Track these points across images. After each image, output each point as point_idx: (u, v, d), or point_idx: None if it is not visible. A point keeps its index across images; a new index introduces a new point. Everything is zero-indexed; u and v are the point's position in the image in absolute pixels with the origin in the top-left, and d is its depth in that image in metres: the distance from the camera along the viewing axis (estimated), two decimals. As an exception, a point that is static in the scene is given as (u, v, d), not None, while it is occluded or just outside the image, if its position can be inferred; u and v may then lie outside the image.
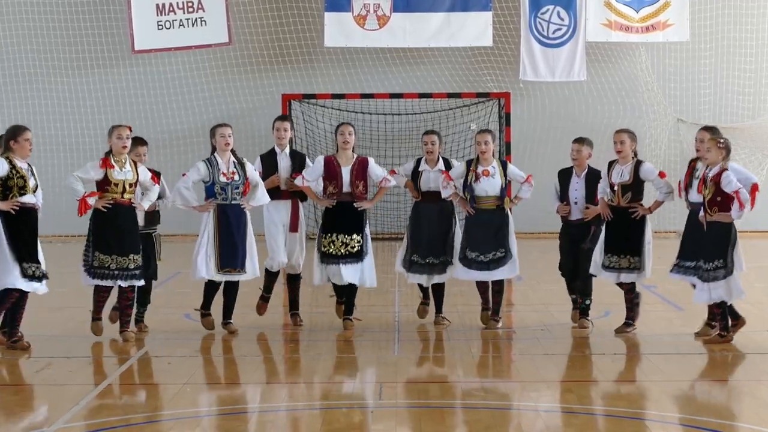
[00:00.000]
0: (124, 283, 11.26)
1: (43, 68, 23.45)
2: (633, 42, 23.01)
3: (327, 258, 11.94)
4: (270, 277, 12.34)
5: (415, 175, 12.15)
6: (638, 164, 11.64)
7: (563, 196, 12.05)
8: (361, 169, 11.93)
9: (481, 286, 12.02)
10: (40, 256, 11.04)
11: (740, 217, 10.72)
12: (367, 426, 8.10)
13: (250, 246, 11.74)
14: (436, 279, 12.13)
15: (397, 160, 21.30)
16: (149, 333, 11.82)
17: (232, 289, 11.80)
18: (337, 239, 11.89)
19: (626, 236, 11.54)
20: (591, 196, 11.90)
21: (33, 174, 11.02)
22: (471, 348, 11.00)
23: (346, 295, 12.11)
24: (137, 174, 11.35)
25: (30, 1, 23.28)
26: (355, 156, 12.01)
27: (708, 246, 10.81)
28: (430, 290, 12.33)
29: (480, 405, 8.71)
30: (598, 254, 11.65)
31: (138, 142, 11.87)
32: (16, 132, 11.04)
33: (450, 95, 23.34)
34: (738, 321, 11.19)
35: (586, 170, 12.03)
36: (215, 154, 11.73)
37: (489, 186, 11.85)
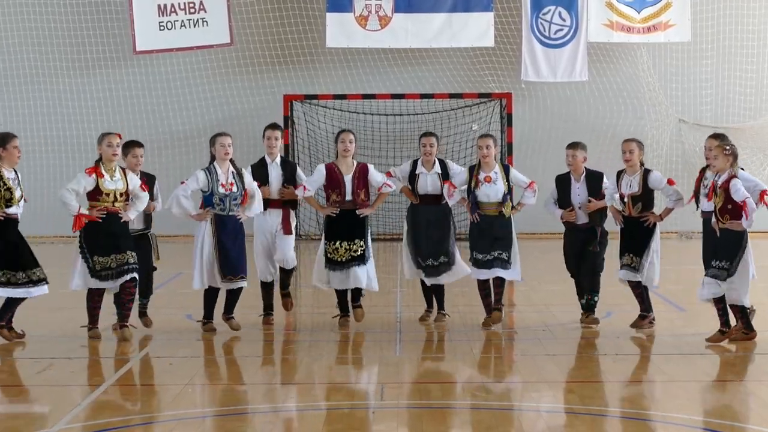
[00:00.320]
0: (126, 277, 11.24)
1: (45, 69, 23.47)
2: (634, 42, 23.01)
3: (332, 264, 11.93)
4: (266, 291, 12.28)
5: (412, 178, 12.14)
6: (646, 173, 11.66)
7: (565, 202, 12.00)
8: (362, 176, 11.96)
9: (483, 290, 11.97)
10: (29, 262, 11.06)
11: (750, 225, 10.74)
12: (368, 426, 8.10)
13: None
14: (437, 280, 12.13)
15: (399, 161, 21.30)
16: (150, 333, 11.81)
17: (235, 291, 11.79)
18: (341, 246, 11.89)
19: (635, 237, 11.58)
20: (593, 196, 11.87)
21: (19, 184, 11.02)
22: (472, 348, 10.99)
23: (346, 294, 12.10)
24: (127, 183, 11.34)
25: (31, 1, 23.29)
26: (356, 163, 12.01)
27: (719, 248, 10.83)
28: (432, 296, 12.32)
29: (482, 405, 8.70)
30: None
31: (134, 144, 11.88)
32: (4, 139, 11.04)
33: (451, 96, 23.35)
34: (731, 329, 11.13)
35: (584, 173, 12.01)
36: (214, 163, 11.68)
37: (491, 192, 11.84)
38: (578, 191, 11.96)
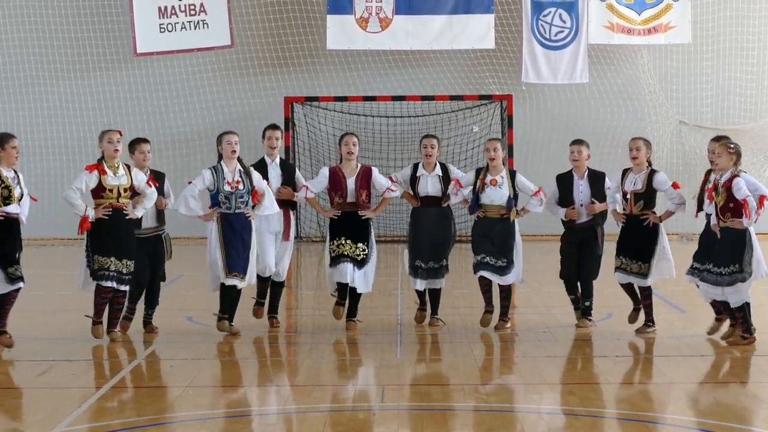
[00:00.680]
0: (113, 285, 11.24)
1: (45, 71, 23.47)
2: (635, 44, 23.02)
3: (336, 260, 11.94)
4: (262, 282, 12.28)
5: (413, 180, 12.15)
6: (652, 173, 11.65)
7: (566, 201, 11.99)
8: (365, 178, 11.98)
9: (484, 285, 12.00)
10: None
11: (751, 224, 10.72)
12: (369, 429, 8.10)
13: (252, 255, 11.68)
14: (435, 284, 12.13)
15: (400, 163, 21.33)
16: (153, 335, 11.82)
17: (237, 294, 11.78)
18: (346, 243, 11.90)
19: (638, 242, 11.57)
20: (595, 197, 11.88)
21: (19, 183, 11.01)
22: (473, 350, 10.99)
23: (350, 298, 12.09)
24: (131, 178, 11.34)
25: (32, 4, 23.30)
26: (359, 165, 12.03)
27: (721, 252, 10.81)
28: (426, 295, 12.33)
29: (482, 407, 8.71)
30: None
31: (140, 141, 11.92)
32: (2, 140, 11.02)
33: (452, 98, 23.36)
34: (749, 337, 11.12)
35: (587, 172, 12.01)
36: (221, 162, 11.68)
37: (496, 195, 11.85)
38: (581, 189, 11.95)
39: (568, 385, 9.58)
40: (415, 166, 12.23)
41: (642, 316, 11.81)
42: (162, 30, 22.59)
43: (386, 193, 12.06)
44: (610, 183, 11.92)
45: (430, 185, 12.09)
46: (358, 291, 12.00)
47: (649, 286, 11.70)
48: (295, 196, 12.12)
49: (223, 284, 11.63)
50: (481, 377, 9.88)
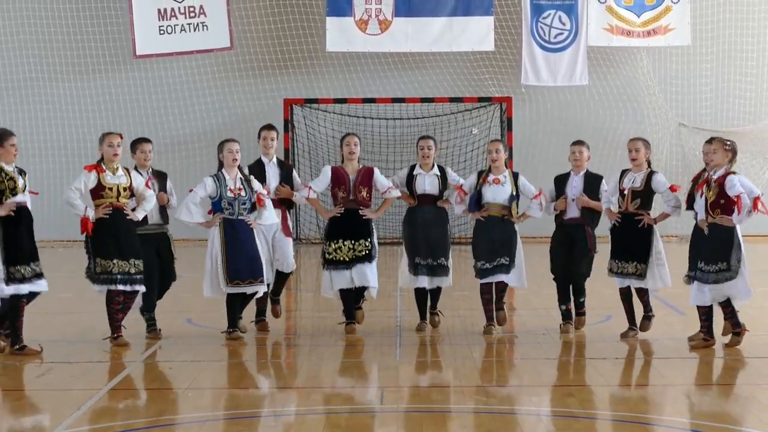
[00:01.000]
0: (125, 288, 11.24)
1: (45, 73, 23.49)
2: (634, 46, 23.05)
3: (332, 264, 11.93)
4: (261, 298, 12.25)
5: (410, 179, 12.16)
6: (651, 174, 11.65)
7: (559, 195, 12.01)
8: (366, 176, 12.00)
9: (486, 295, 11.97)
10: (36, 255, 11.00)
11: (740, 222, 10.71)
12: (369, 431, 8.10)
13: (262, 255, 11.68)
14: (437, 282, 12.13)
15: (399, 165, 21.33)
16: (152, 337, 11.83)
17: (246, 298, 11.77)
18: (344, 245, 11.88)
19: (633, 243, 11.55)
20: (588, 195, 11.88)
21: (21, 174, 11.02)
22: (473, 352, 10.99)
23: (353, 298, 12.09)
24: (131, 179, 11.36)
25: (32, 6, 23.31)
26: (361, 165, 12.07)
27: (708, 248, 10.81)
28: (426, 307, 12.29)
29: (482, 409, 8.71)
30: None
31: (141, 140, 11.96)
32: (1, 137, 11.02)
33: (452, 100, 23.37)
34: (741, 330, 11.13)
35: (585, 170, 12.04)
36: (223, 170, 11.68)
37: (497, 193, 11.85)
38: (575, 184, 11.96)
39: (567, 387, 9.58)
40: (412, 167, 12.25)
41: (642, 321, 11.80)
42: (161, 32, 22.61)
43: (388, 192, 12.07)
44: (607, 186, 11.92)
45: (427, 183, 12.09)
46: (368, 286, 11.95)
47: (646, 289, 11.68)
48: (295, 195, 12.14)
49: (228, 294, 11.61)
50: (480, 379, 9.88)
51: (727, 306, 10.95)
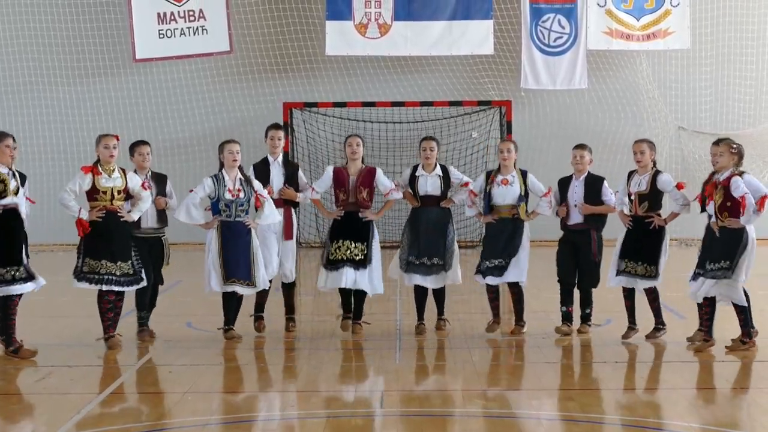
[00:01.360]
0: (110, 288, 11.25)
1: (45, 77, 23.48)
2: (634, 50, 23.04)
3: (331, 264, 11.97)
4: (260, 292, 12.27)
5: (413, 180, 12.19)
6: (656, 174, 11.68)
7: (562, 201, 12.06)
8: (368, 177, 12.04)
9: (491, 293, 12.05)
10: (24, 256, 10.99)
11: (748, 222, 10.71)
12: (368, 434, 8.10)
13: (256, 259, 11.69)
14: (432, 283, 12.14)
15: (399, 168, 21.32)
16: (152, 340, 11.82)
17: (238, 300, 11.80)
18: (343, 245, 11.94)
19: (644, 244, 11.58)
20: (590, 200, 11.91)
21: (15, 176, 11.01)
22: (472, 356, 10.98)
23: (354, 301, 12.12)
24: (126, 181, 11.36)
25: (31, 9, 23.31)
26: (364, 166, 12.11)
27: (717, 249, 10.81)
28: (425, 307, 12.32)
29: (481, 413, 8.70)
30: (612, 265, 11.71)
31: (140, 143, 12.03)
32: None
33: (451, 103, 23.36)
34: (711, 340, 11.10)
35: (586, 174, 12.06)
36: (223, 170, 11.72)
37: (507, 194, 11.92)
38: (576, 189, 12.00)
39: (567, 391, 9.57)
40: (415, 167, 12.28)
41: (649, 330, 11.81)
42: (161, 36, 22.60)
43: (390, 194, 12.12)
44: (609, 188, 11.94)
45: (429, 184, 12.14)
46: (367, 292, 12.02)
47: (655, 288, 11.70)
48: (299, 197, 12.18)
49: (223, 293, 11.67)
50: (480, 383, 9.87)
51: (741, 312, 10.93)
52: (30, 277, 10.96)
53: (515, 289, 12.06)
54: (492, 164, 22.28)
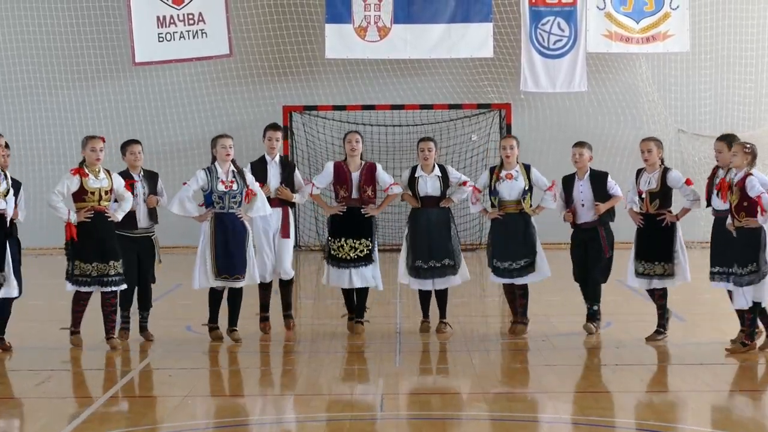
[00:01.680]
0: (104, 289, 11.32)
1: (44, 80, 23.46)
2: (633, 53, 23.02)
3: (335, 261, 12.08)
4: (264, 291, 12.31)
5: (412, 181, 12.23)
6: (665, 171, 11.76)
7: (568, 201, 12.10)
8: (369, 174, 12.18)
9: (510, 294, 12.09)
10: (6, 262, 11.04)
11: (766, 222, 10.72)
12: (368, 438, 8.09)
13: (249, 254, 11.76)
14: (439, 284, 12.18)
15: (398, 171, 21.18)
16: (152, 344, 11.81)
17: (235, 297, 11.84)
18: (346, 244, 12.03)
19: (658, 243, 11.63)
20: (598, 196, 11.96)
21: (6, 179, 11.04)
22: (472, 359, 10.98)
23: (357, 298, 12.16)
24: (112, 182, 11.41)
25: (30, 13, 23.30)
26: (363, 162, 12.17)
27: (740, 251, 10.82)
28: (429, 305, 12.35)
29: (482, 416, 8.70)
30: (630, 263, 11.73)
31: (131, 142, 12.17)
32: None
33: (451, 106, 23.35)
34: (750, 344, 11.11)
35: (588, 172, 12.10)
36: (215, 163, 11.81)
37: (512, 189, 11.98)
38: (581, 189, 12.04)
39: (567, 394, 9.56)
40: (414, 169, 12.33)
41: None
42: (161, 39, 22.58)
43: (390, 189, 12.25)
44: (613, 180, 11.99)
45: (429, 185, 12.19)
46: (369, 286, 12.13)
47: (665, 288, 11.73)
48: (295, 197, 12.23)
49: (211, 289, 11.71)
50: (480, 386, 9.87)
51: (751, 312, 10.93)
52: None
53: (521, 286, 12.08)
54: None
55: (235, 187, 11.71)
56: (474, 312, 12.79)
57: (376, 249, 12.21)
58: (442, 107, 23.32)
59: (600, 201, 11.94)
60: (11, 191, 11.12)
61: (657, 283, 11.72)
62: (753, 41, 23.57)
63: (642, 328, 11.98)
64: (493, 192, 12.07)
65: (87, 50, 23.35)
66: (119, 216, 11.49)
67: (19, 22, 23.33)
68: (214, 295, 11.85)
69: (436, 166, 12.29)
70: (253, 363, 11.17)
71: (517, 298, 12.15)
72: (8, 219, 11.13)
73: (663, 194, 11.71)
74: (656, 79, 23.43)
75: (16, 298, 11.35)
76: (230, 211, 11.70)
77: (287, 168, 12.41)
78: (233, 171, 11.78)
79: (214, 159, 11.88)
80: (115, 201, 11.52)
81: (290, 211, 12.42)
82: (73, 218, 11.24)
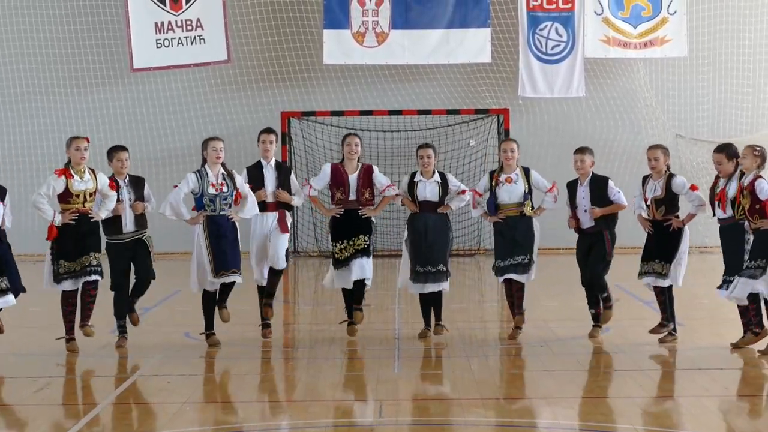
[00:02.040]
0: (86, 278, 11.47)
1: (42, 87, 23.46)
2: (631, 58, 23.05)
3: (340, 264, 12.17)
4: (263, 297, 12.33)
5: (411, 186, 12.28)
6: (670, 178, 11.83)
7: (573, 206, 12.14)
8: (367, 176, 12.28)
9: (510, 290, 12.10)
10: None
11: None
12: (367, 444, 8.09)
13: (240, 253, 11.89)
14: (431, 288, 12.19)
15: (397, 177, 21.17)
16: (149, 351, 11.81)
17: (228, 286, 11.95)
18: (348, 244, 12.16)
19: (664, 246, 11.71)
20: (597, 201, 11.99)
21: None
22: (471, 365, 10.98)
23: (355, 290, 12.25)
24: (97, 182, 11.48)
25: (28, 19, 23.30)
26: (360, 164, 12.28)
27: (754, 247, 10.89)
28: (431, 311, 12.37)
29: (480, 422, 8.69)
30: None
31: (118, 148, 12.24)
32: None
33: (449, 112, 23.37)
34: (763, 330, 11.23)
35: (590, 177, 12.14)
36: (205, 166, 11.93)
37: (512, 192, 12.03)
38: (582, 194, 12.10)
39: (566, 399, 9.56)
40: (413, 174, 12.38)
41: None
42: (159, 45, 22.59)
43: (386, 191, 12.35)
44: (616, 187, 12.03)
45: (428, 190, 12.25)
46: (367, 281, 12.22)
47: (670, 287, 11.80)
48: (293, 199, 12.27)
49: (205, 292, 11.74)
50: (478, 392, 9.86)
51: (753, 301, 10.99)
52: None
53: (518, 285, 12.09)
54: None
55: (225, 189, 11.83)
56: (472, 318, 12.79)
57: (372, 246, 12.27)
58: (440, 113, 23.33)
59: (599, 206, 11.96)
60: None
61: (651, 281, 11.79)
62: (751, 46, 23.60)
63: (640, 334, 11.98)
64: (492, 197, 12.09)
65: (85, 56, 23.36)
66: (102, 215, 11.65)
67: (17, 28, 23.33)
68: (208, 300, 11.88)
69: (437, 172, 12.33)
70: (251, 369, 11.16)
71: (514, 292, 12.14)
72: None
73: (668, 200, 11.79)
74: (654, 84, 23.45)
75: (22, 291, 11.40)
76: (221, 213, 11.79)
77: (283, 171, 12.45)
78: (223, 174, 11.89)
79: (204, 162, 11.97)
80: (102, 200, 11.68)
81: (287, 214, 12.43)
82: (58, 220, 11.35)
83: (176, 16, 22.60)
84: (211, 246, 11.75)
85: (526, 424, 8.68)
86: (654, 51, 22.92)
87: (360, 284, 12.29)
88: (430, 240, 12.19)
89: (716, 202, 11.33)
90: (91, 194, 11.54)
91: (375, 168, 12.40)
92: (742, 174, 11.21)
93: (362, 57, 22.77)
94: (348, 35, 22.58)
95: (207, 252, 11.74)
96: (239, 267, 11.86)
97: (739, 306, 11.29)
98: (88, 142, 11.74)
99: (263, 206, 12.21)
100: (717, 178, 11.51)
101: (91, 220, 11.53)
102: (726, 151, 11.38)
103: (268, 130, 12.57)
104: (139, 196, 12.03)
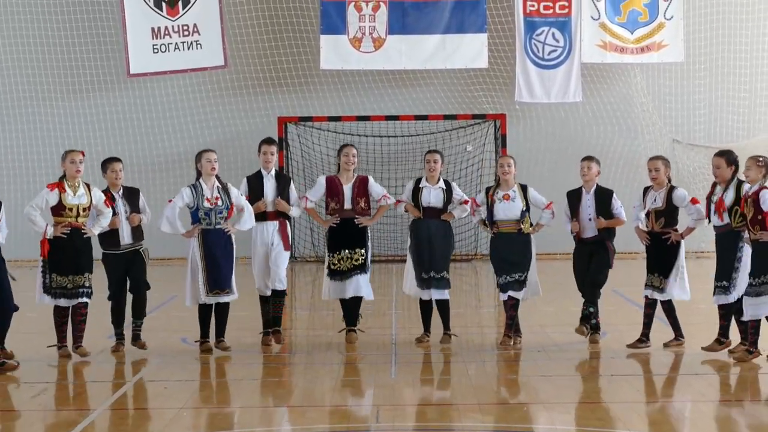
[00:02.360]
0: (77, 301, 11.51)
1: (38, 92, 23.46)
2: (628, 63, 23.07)
3: (336, 275, 12.19)
4: (265, 306, 12.33)
5: (416, 191, 12.31)
6: (671, 190, 11.79)
7: (574, 214, 12.12)
8: (362, 186, 12.33)
9: (511, 307, 12.07)
10: None
11: None
12: (364, 449, 8.08)
13: (234, 269, 11.86)
14: (436, 295, 12.21)
15: (394, 182, 21.33)
16: (145, 356, 11.80)
17: (223, 310, 11.88)
18: (345, 255, 12.23)
19: (662, 259, 11.67)
20: (601, 213, 11.98)
21: None
22: (468, 370, 10.98)
23: (351, 307, 12.24)
24: (91, 198, 11.44)
25: (24, 25, 23.31)
26: (356, 175, 12.32)
27: (756, 264, 10.85)
28: (431, 318, 12.38)
29: (478, 427, 8.69)
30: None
31: (112, 160, 12.19)
32: None
33: (446, 117, 23.38)
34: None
35: (595, 187, 12.14)
36: (200, 179, 11.87)
37: (509, 210, 12.00)
38: (588, 203, 12.08)
39: (563, 405, 9.56)
40: (418, 180, 12.40)
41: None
42: (155, 51, 22.59)
43: (382, 200, 12.40)
44: (618, 201, 12.03)
45: (433, 196, 12.28)
46: (364, 297, 12.26)
47: (669, 300, 11.79)
48: (291, 210, 12.27)
49: (200, 305, 11.73)
50: (476, 397, 9.86)
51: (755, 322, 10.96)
52: None
53: (512, 301, 12.07)
54: (487, 177, 22.30)
55: (220, 203, 11.78)
56: (470, 323, 12.77)
57: (369, 260, 12.31)
58: (437, 118, 23.35)
59: (603, 217, 11.96)
60: None
61: (649, 293, 11.80)
62: (747, 51, 23.62)
63: (639, 338, 11.94)
64: (488, 213, 12.06)
65: (81, 62, 23.36)
66: (96, 231, 11.65)
67: (14, 34, 23.34)
68: (203, 311, 11.88)
69: (442, 179, 12.37)
70: (248, 374, 11.15)
71: (506, 310, 12.11)
72: None
73: (668, 213, 11.77)
74: (651, 89, 23.47)
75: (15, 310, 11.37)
76: (217, 227, 11.75)
77: (282, 181, 12.46)
78: (218, 187, 11.84)
79: (198, 174, 11.91)
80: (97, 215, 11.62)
81: (287, 224, 12.44)
82: (50, 232, 11.34)
83: (173, 21, 22.60)
84: (205, 262, 11.71)
85: (523, 429, 8.67)
86: (651, 56, 22.95)
87: (356, 301, 12.29)
88: (432, 247, 12.22)
89: (713, 210, 11.30)
90: (84, 209, 11.51)
91: (370, 178, 12.48)
92: (740, 182, 11.20)
93: (359, 62, 22.78)
94: (345, 40, 22.60)
95: (201, 268, 11.72)
96: (232, 286, 11.79)
97: (721, 311, 11.27)
98: (83, 155, 11.70)
99: (263, 216, 12.18)
100: (714, 185, 11.49)
101: (84, 236, 11.50)
102: (726, 156, 11.39)
103: (270, 141, 12.55)
104: (135, 208, 12.00)
